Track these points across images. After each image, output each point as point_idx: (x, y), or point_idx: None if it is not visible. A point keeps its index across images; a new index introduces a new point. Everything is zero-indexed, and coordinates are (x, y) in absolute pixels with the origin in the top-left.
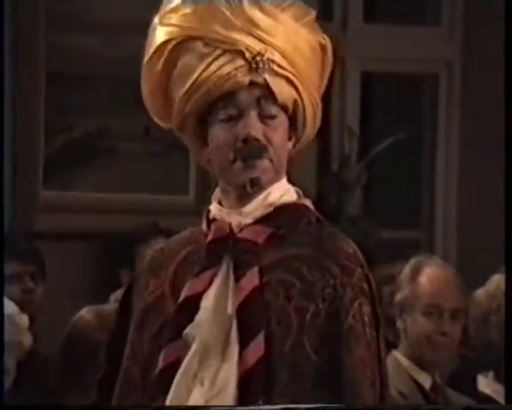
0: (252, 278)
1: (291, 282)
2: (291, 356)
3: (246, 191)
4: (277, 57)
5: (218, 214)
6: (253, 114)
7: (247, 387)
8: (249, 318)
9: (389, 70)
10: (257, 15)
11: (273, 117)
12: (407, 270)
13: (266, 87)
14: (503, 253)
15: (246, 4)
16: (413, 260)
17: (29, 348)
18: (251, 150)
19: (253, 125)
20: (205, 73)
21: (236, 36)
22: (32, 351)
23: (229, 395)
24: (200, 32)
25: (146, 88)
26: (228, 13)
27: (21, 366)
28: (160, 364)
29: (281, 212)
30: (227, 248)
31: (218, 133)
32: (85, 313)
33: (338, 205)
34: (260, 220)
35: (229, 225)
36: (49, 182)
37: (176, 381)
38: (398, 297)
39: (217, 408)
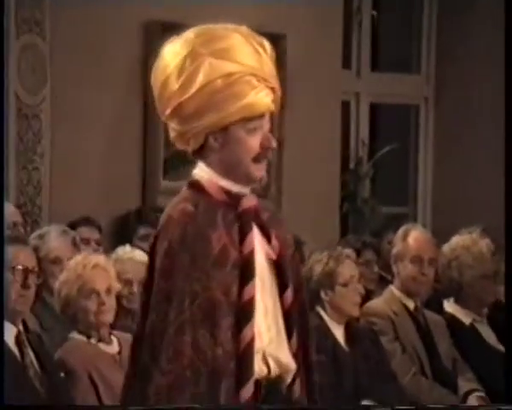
0: (275, 240)
1: (279, 235)
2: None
3: (255, 180)
4: (279, 91)
5: (236, 189)
6: (267, 129)
7: (289, 315)
8: (284, 265)
9: (388, 102)
10: (273, 60)
11: (270, 130)
12: (399, 233)
13: (272, 112)
14: (459, 222)
15: (269, 52)
16: (403, 227)
17: None
18: (266, 155)
19: (271, 138)
20: (254, 98)
21: (271, 77)
22: None
23: (280, 324)
24: (256, 72)
25: (191, 107)
26: (264, 54)
27: None
28: (246, 296)
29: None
30: (255, 215)
31: (245, 139)
32: None
33: (355, 190)
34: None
35: (252, 197)
36: (166, 175)
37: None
38: (394, 251)
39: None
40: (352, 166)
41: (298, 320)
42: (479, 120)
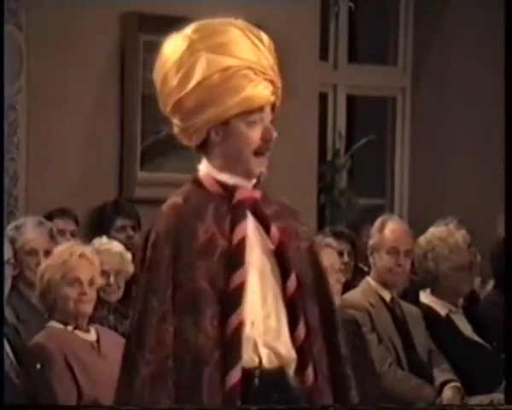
0: (275, 227)
1: (286, 228)
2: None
3: (255, 173)
4: (279, 83)
5: (233, 182)
6: (268, 121)
7: (293, 303)
8: (284, 254)
9: (364, 94)
10: (272, 53)
11: (272, 121)
12: (376, 224)
13: (274, 103)
14: (435, 214)
15: (267, 44)
16: (380, 218)
17: (131, 273)
18: (267, 148)
19: (272, 130)
20: (252, 91)
21: (268, 68)
22: (133, 275)
23: (281, 313)
24: (253, 65)
25: (191, 102)
26: (262, 48)
27: (127, 284)
28: (234, 284)
29: (259, 182)
30: (249, 205)
31: (245, 132)
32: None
33: (332, 182)
34: (254, 187)
35: (248, 189)
36: (143, 166)
37: (250, 300)
38: (371, 242)
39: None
40: (329, 157)
41: (312, 312)
42: (455, 111)
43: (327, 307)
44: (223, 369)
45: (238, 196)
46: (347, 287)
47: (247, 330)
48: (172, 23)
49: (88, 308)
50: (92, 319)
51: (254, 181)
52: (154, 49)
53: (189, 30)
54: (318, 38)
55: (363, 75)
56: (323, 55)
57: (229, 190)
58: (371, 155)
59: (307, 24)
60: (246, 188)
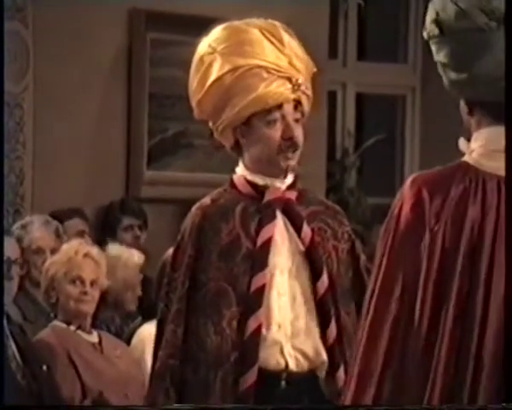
0: (307, 228)
1: (324, 229)
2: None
3: (284, 171)
4: (303, 81)
5: (263, 183)
6: (291, 118)
7: (323, 304)
8: (315, 255)
9: (374, 92)
10: (294, 51)
11: (298, 120)
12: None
13: (298, 101)
14: None
15: (287, 43)
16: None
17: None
18: (290, 145)
19: (293, 128)
20: (265, 90)
21: (287, 66)
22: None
23: (312, 314)
24: (265, 63)
25: (209, 103)
26: (281, 47)
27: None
28: (255, 286)
29: (296, 182)
30: (280, 205)
31: (266, 131)
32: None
33: (341, 181)
34: (289, 187)
35: (279, 189)
36: (150, 165)
37: (269, 298)
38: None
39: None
40: (338, 156)
41: (347, 314)
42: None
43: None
44: (238, 371)
45: (268, 196)
46: None
47: (274, 333)
48: (180, 21)
49: (88, 308)
50: (96, 322)
51: (290, 180)
52: (161, 46)
53: (213, 32)
54: (327, 36)
55: (373, 73)
56: (332, 53)
57: (259, 191)
58: (381, 154)
59: (316, 21)
60: (277, 188)
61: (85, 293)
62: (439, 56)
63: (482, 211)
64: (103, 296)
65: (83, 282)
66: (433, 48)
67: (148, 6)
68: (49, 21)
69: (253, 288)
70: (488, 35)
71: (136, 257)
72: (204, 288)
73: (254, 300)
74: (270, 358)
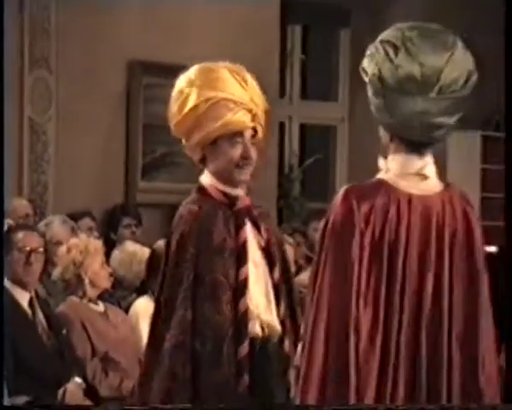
0: (264, 228)
1: (268, 227)
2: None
3: (241, 183)
4: (260, 113)
5: (232, 191)
6: (248, 142)
7: (277, 291)
8: (270, 248)
9: (313, 123)
10: (254, 90)
11: (254, 143)
12: (322, 222)
13: (254, 128)
14: None
15: (249, 83)
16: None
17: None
18: (246, 163)
19: (250, 149)
20: (232, 118)
21: (248, 101)
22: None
23: (271, 296)
24: (232, 97)
25: (185, 125)
26: (244, 85)
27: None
28: (241, 277)
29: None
30: (247, 211)
31: (228, 150)
32: (158, 245)
33: (288, 190)
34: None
35: (246, 198)
36: (144, 177)
37: (252, 287)
38: (317, 236)
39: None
40: (286, 171)
41: (287, 293)
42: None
43: (291, 290)
44: (236, 343)
45: (238, 204)
46: (300, 270)
47: (254, 311)
48: (167, 69)
49: (105, 284)
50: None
51: (244, 190)
52: (152, 88)
53: (191, 70)
54: (278, 80)
55: (312, 108)
56: (281, 93)
57: (230, 199)
58: (318, 170)
59: (269, 68)
60: (244, 197)
61: (97, 273)
62: (374, 99)
63: (398, 218)
64: (120, 282)
65: (94, 270)
66: (370, 91)
67: (144, 57)
68: (68, 68)
69: (239, 278)
70: (416, 95)
71: (147, 253)
72: (205, 279)
73: (241, 287)
74: (253, 330)
